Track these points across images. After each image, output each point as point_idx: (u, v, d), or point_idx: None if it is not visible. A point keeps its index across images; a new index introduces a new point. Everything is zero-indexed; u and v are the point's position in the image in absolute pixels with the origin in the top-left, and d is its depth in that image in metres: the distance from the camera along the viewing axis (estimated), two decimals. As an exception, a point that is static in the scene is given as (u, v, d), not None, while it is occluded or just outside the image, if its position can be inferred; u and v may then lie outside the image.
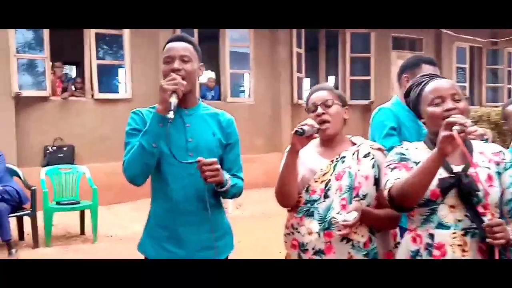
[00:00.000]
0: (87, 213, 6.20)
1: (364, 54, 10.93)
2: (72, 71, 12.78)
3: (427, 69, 2.92)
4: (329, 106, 2.20)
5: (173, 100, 1.97)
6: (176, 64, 2.07)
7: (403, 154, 1.98)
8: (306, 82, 12.37)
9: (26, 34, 9.60)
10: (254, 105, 9.69)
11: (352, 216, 1.98)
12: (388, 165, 1.97)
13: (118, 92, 10.39)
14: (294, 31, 9.76)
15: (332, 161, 2.18)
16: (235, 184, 2.16)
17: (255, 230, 6.33)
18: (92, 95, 8.07)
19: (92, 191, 6.11)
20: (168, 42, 2.15)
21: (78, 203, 6.18)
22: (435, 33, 11.95)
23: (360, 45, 10.91)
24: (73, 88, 8.36)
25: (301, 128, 2.00)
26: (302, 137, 2.01)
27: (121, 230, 6.54)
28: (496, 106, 9.23)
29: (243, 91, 13.69)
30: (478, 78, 13.32)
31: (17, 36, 7.74)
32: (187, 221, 2.10)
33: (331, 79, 13.47)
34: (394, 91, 11.50)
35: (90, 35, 7.92)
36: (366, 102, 10.81)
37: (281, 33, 9.64)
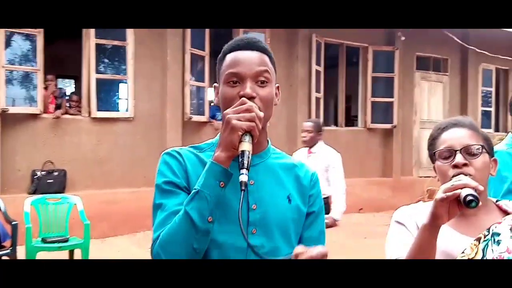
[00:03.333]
0: (78, 251, 5.28)
1: (387, 74, 10.06)
2: (70, 85, 11.96)
3: None
4: (475, 155, 1.40)
5: (247, 146, 1.16)
6: (249, 89, 1.25)
7: None
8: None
9: (20, 43, 8.82)
10: (268, 126, 8.82)
11: None
12: None
13: (118, 110, 9.54)
14: (314, 47, 8.95)
15: (478, 240, 1.36)
16: None
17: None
18: (89, 113, 7.22)
19: (84, 226, 5.20)
20: (231, 49, 1.30)
21: (67, 240, 5.27)
22: (461, 54, 11.22)
23: (383, 64, 10.06)
24: (68, 105, 7.57)
25: (474, 196, 1.16)
26: (455, 205, 1.21)
27: (116, 272, 5.60)
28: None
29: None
30: (504, 102, 12.57)
31: (9, 46, 6.94)
32: None
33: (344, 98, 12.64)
34: (418, 115, 10.69)
35: (90, 45, 7.09)
36: (388, 126, 9.99)
37: (299, 49, 8.85)
